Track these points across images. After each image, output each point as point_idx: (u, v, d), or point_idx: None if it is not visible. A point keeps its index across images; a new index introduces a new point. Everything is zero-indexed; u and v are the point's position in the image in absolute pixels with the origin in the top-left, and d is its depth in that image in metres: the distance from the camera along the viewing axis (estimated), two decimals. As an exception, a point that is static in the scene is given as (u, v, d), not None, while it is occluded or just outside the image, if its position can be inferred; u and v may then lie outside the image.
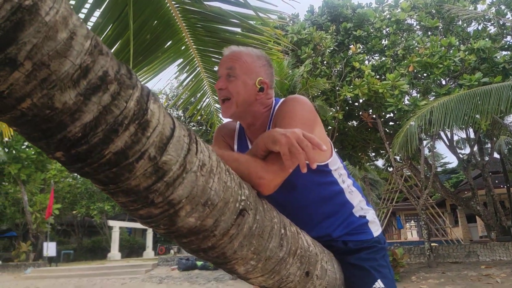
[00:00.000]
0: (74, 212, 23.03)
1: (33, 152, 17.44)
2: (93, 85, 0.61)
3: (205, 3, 1.91)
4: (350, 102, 11.41)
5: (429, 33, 11.12)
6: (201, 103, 3.11)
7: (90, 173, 0.69)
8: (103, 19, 1.95)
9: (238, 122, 1.39)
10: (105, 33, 2.09)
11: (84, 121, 0.61)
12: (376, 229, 1.37)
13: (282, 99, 1.27)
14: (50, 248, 15.96)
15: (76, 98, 0.59)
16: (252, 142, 1.30)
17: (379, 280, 1.25)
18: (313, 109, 1.20)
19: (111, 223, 20.18)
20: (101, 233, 24.49)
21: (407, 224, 22.99)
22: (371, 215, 1.39)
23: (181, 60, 2.62)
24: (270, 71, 1.27)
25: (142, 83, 2.38)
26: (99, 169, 0.68)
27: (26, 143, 17.80)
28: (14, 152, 17.00)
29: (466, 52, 9.61)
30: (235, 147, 1.36)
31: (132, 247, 24.70)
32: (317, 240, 1.30)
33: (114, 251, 19.53)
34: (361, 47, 11.41)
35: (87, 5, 1.87)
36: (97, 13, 1.96)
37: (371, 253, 1.30)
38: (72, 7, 1.77)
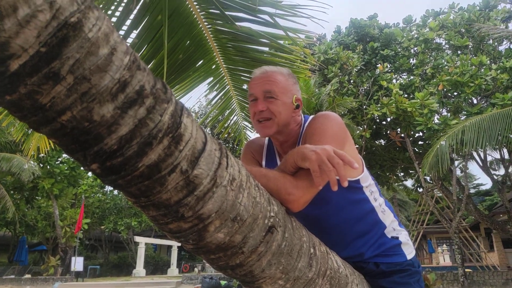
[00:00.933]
0: (102, 227, 23.51)
1: (66, 168, 18.10)
2: (130, 98, 0.63)
3: (236, 23, 1.95)
4: (378, 120, 11.23)
5: (459, 52, 10.88)
6: (229, 120, 3.15)
7: (123, 186, 0.70)
8: (139, 40, 2.03)
9: (266, 138, 1.39)
10: (140, 53, 2.17)
11: (120, 133, 0.63)
12: (409, 251, 1.31)
13: (312, 116, 1.27)
14: (77, 263, 16.26)
15: (113, 111, 0.61)
16: (282, 158, 1.29)
17: None
18: (343, 126, 1.19)
19: (137, 239, 20.43)
20: (127, 248, 24.80)
21: (439, 248, 21.90)
22: (404, 236, 1.33)
23: (211, 78, 2.67)
24: (298, 88, 1.31)
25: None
26: (132, 182, 0.69)
27: (60, 159, 18.51)
28: (48, 167, 17.69)
29: (498, 71, 9.31)
30: (264, 163, 1.36)
31: (157, 264, 24.83)
32: (348, 261, 1.25)
33: (139, 268, 19.66)
34: (389, 66, 11.30)
35: (125, 27, 1.96)
36: (133, 34, 2.04)
37: (405, 276, 1.24)
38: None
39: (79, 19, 0.55)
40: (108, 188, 24.83)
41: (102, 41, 0.59)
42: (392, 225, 1.33)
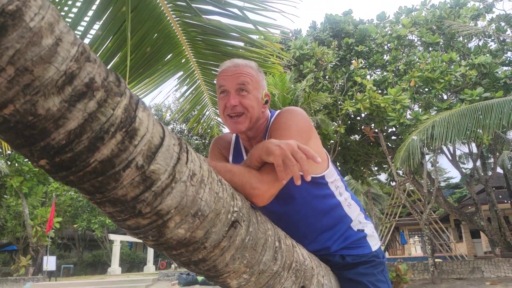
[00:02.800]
0: (75, 225, 22.90)
1: (34, 166, 17.43)
2: (79, 91, 0.60)
3: (204, 16, 1.93)
4: (352, 116, 11.43)
5: (430, 48, 11.20)
6: (201, 115, 3.12)
7: (75, 182, 0.68)
8: (103, 31, 1.97)
9: (234, 135, 1.38)
10: (105, 45, 2.11)
11: (69, 128, 0.60)
12: (374, 243, 1.34)
13: (278, 111, 1.26)
14: (50, 262, 15.79)
15: (60, 104, 0.58)
16: (247, 152, 1.29)
17: None
18: (308, 120, 1.19)
19: (112, 237, 20.03)
20: (102, 247, 24.30)
21: (411, 240, 22.66)
22: (369, 228, 1.36)
23: (181, 73, 2.63)
24: (265, 83, 1.29)
25: (143, 95, 2.37)
26: (85, 178, 0.67)
27: (28, 156, 17.81)
28: (16, 165, 17.02)
29: (467, 67, 9.66)
30: (230, 158, 1.35)
31: (133, 262, 24.45)
32: (315, 254, 1.27)
33: (115, 266, 19.32)
34: (363, 62, 11.50)
35: (87, 18, 1.89)
36: (96, 26, 1.98)
37: (369, 267, 1.27)
38: (71, 19, 1.78)
39: (19, 7, 0.52)
40: (81, 185, 24.07)
41: (46, 31, 0.56)
42: (358, 218, 1.35)
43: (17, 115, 0.56)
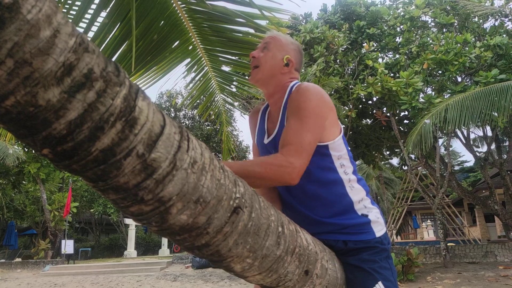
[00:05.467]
0: (91, 210, 23.47)
1: (39, 155, 17.80)
2: (78, 82, 0.61)
3: (209, 2, 1.91)
4: (364, 100, 11.28)
5: (444, 30, 10.89)
6: (210, 102, 3.12)
7: (78, 170, 0.70)
8: (110, 20, 1.98)
9: (262, 107, 1.50)
10: (112, 33, 2.12)
11: (69, 118, 0.62)
12: (379, 229, 1.34)
13: (297, 84, 1.32)
14: (68, 246, 16.30)
15: (60, 95, 0.60)
16: (270, 117, 1.41)
17: (380, 283, 1.22)
18: (324, 98, 1.25)
19: (127, 221, 20.49)
20: (118, 231, 24.91)
21: (424, 224, 22.58)
22: (374, 214, 1.36)
23: (188, 60, 2.63)
24: (299, 57, 1.43)
25: (151, 82, 2.40)
26: (87, 166, 0.69)
27: (44, 143, 18.19)
28: (33, 151, 17.43)
29: (482, 49, 9.37)
30: (258, 124, 1.47)
31: (148, 245, 25.05)
32: (318, 236, 1.28)
33: (131, 249, 19.82)
34: (375, 45, 11.26)
35: (93, 6, 1.90)
36: (103, 14, 1.98)
37: (372, 254, 1.27)
38: (78, 8, 1.79)
39: (15, 0, 0.53)
40: (96, 171, 24.56)
41: (43, 23, 0.57)
42: (363, 202, 1.35)
43: (18, 107, 0.58)
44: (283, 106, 1.33)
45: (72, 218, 20.69)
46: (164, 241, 22.30)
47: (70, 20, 0.66)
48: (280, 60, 1.35)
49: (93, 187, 0.77)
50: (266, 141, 1.38)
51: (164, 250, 21.73)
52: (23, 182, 19.33)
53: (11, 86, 0.56)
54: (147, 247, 24.81)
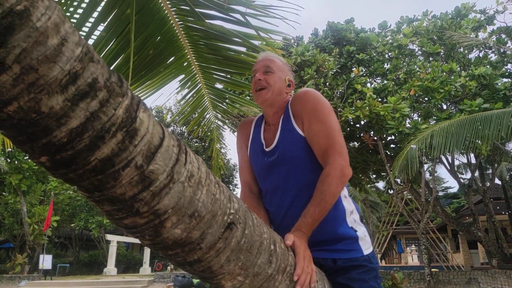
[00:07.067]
0: (72, 225, 22.82)
1: (35, 163, 17.44)
2: (82, 91, 0.62)
3: (207, 21, 1.95)
4: (352, 123, 11.46)
5: (431, 58, 11.26)
6: (202, 118, 3.13)
7: (74, 180, 0.69)
8: (107, 33, 1.99)
9: (254, 121, 1.56)
10: (108, 47, 2.13)
11: (70, 126, 0.61)
12: (366, 247, 1.34)
13: (297, 93, 1.42)
14: (46, 261, 15.74)
15: (63, 103, 0.60)
16: (267, 129, 1.47)
17: None
18: (325, 99, 1.37)
19: (109, 237, 19.96)
20: (99, 247, 24.20)
21: (408, 248, 22.61)
22: (362, 231, 1.36)
23: (183, 76, 2.65)
24: (292, 75, 1.53)
25: (144, 96, 2.39)
26: (84, 176, 0.68)
27: (27, 154, 17.81)
28: (16, 162, 17.02)
29: (467, 78, 9.71)
30: (250, 141, 1.52)
31: (129, 263, 24.35)
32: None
33: (110, 266, 19.23)
34: (364, 70, 11.55)
35: (92, 19, 1.91)
36: (101, 27, 2.00)
37: (362, 273, 1.27)
38: (76, 20, 1.80)
39: (26, 7, 0.54)
40: (80, 185, 24.05)
41: (52, 31, 0.58)
42: (353, 216, 1.37)
43: (21, 112, 0.58)
44: (283, 116, 1.41)
45: (52, 232, 20.05)
46: (146, 259, 21.76)
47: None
48: (284, 81, 1.44)
49: (88, 197, 0.76)
50: (268, 149, 1.42)
51: (146, 268, 21.18)
52: (3, 193, 18.78)
53: (15, 92, 0.56)
54: (128, 265, 24.11)
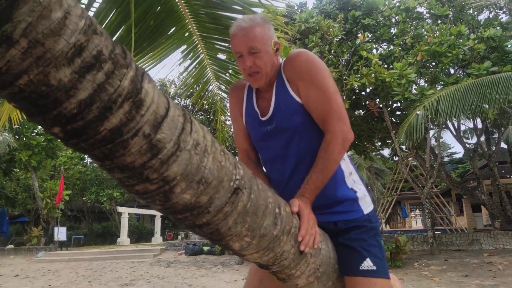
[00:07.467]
0: (84, 198, 23.39)
1: (43, 139, 17.66)
2: (88, 63, 0.64)
3: (207, -12, 1.92)
4: (357, 91, 11.32)
5: (439, 21, 10.91)
6: (205, 91, 3.13)
7: (86, 149, 0.72)
8: (107, 4, 1.97)
9: (247, 83, 1.48)
10: (108, 18, 2.11)
11: (79, 98, 0.64)
12: (367, 206, 1.38)
13: (287, 57, 1.36)
14: (60, 233, 16.29)
15: (71, 75, 0.62)
16: (260, 100, 1.42)
17: (368, 259, 1.28)
18: (318, 60, 1.33)
19: (120, 209, 20.48)
20: (111, 219, 24.90)
21: (412, 213, 22.96)
22: (362, 191, 1.40)
23: (184, 46, 2.63)
24: (273, 29, 1.38)
25: (147, 69, 2.42)
26: (95, 145, 0.71)
27: (36, 130, 18.03)
28: (24, 139, 17.24)
29: (476, 41, 9.43)
30: (244, 106, 1.47)
31: (140, 233, 25.11)
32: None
33: (123, 237, 19.87)
34: (369, 36, 11.27)
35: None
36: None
37: (361, 233, 1.32)
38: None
39: (28, -19, 0.55)
40: (88, 159, 24.52)
41: (55, 4, 0.59)
42: (352, 177, 1.40)
43: (31, 85, 0.60)
44: (277, 83, 1.36)
45: (64, 206, 20.58)
46: (157, 228, 22.39)
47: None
48: (271, 51, 1.34)
49: (100, 166, 0.79)
50: (264, 119, 1.38)
51: (157, 237, 21.83)
52: (14, 169, 19.16)
53: (24, 65, 0.58)
54: (140, 235, 24.87)
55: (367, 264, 1.27)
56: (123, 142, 0.72)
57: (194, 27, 2.39)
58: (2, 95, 0.62)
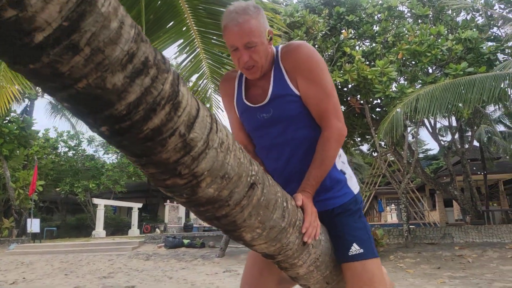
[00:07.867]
0: (57, 189, 22.80)
1: (15, 127, 17.07)
2: (137, 69, 0.70)
3: (209, -14, 1.96)
4: (340, 87, 11.53)
5: (420, 21, 11.24)
6: (198, 86, 3.16)
7: (127, 146, 0.78)
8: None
9: (238, 72, 1.51)
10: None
11: (129, 100, 0.70)
12: (355, 187, 1.48)
13: (285, 46, 1.40)
14: (34, 225, 15.89)
15: (123, 80, 0.68)
16: (253, 88, 1.44)
17: (354, 244, 1.38)
18: (318, 55, 1.37)
19: (96, 201, 20.09)
20: (86, 211, 24.39)
21: (388, 208, 23.70)
22: (349, 173, 1.50)
23: (181, 40, 2.65)
24: (265, 16, 1.37)
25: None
26: (136, 143, 0.77)
27: (8, 118, 17.36)
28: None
29: (454, 42, 9.79)
30: (235, 95, 1.49)
31: (117, 226, 24.72)
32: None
33: (99, 229, 19.54)
34: (353, 32, 11.47)
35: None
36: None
37: (346, 217, 1.42)
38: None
39: (94, -6, 0.60)
40: (62, 149, 23.85)
41: (112, 15, 0.64)
42: (341, 159, 1.49)
43: (88, 88, 0.66)
44: (274, 71, 1.38)
45: (38, 197, 20.02)
46: (134, 221, 22.12)
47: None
48: (266, 42, 1.33)
49: (134, 162, 0.85)
50: (260, 105, 1.40)
51: (134, 230, 21.59)
52: (-16, 158, 18.44)
53: (86, 71, 0.63)
54: (116, 228, 24.47)
55: (355, 248, 1.37)
56: (162, 141, 0.79)
57: (192, 22, 2.42)
58: (58, 96, 0.67)
